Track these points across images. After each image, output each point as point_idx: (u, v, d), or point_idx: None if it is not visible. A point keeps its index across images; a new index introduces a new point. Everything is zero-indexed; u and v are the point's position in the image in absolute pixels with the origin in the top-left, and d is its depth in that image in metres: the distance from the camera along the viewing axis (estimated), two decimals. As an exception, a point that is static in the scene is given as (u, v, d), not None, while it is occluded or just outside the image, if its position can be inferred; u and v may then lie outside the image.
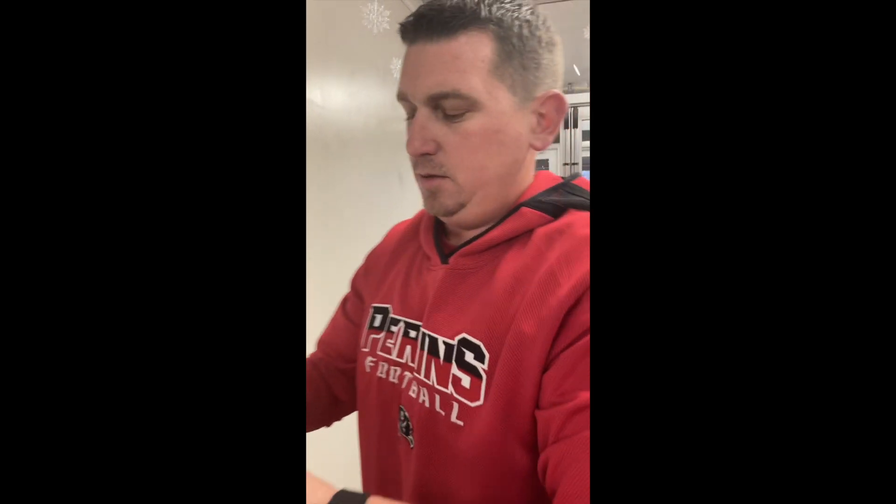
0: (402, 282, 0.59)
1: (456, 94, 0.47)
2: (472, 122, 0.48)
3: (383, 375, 0.56)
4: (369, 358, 0.59)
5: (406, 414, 0.53)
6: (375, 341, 0.59)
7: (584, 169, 2.92)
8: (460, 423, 0.48)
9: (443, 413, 0.50)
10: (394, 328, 0.57)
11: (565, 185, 0.54)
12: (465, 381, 0.49)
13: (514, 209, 0.52)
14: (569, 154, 2.89)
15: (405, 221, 0.68)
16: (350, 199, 1.47)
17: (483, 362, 0.48)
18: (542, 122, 0.52)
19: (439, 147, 0.49)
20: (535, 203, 0.51)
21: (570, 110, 2.84)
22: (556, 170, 2.94)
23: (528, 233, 0.51)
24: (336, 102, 1.41)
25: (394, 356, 0.56)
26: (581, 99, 2.88)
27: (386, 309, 0.59)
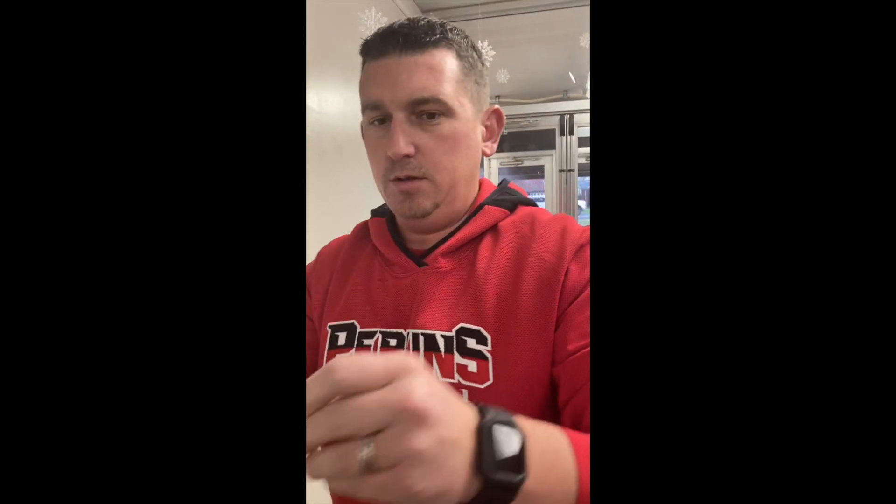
0: (362, 295, 0.60)
1: (435, 99, 0.52)
2: (446, 126, 0.53)
3: None
4: None
5: None
6: None
7: (580, 175, 2.93)
8: None
9: None
10: (367, 341, 0.57)
11: (505, 188, 0.63)
12: (472, 366, 0.52)
13: (477, 208, 0.59)
14: (565, 161, 2.90)
15: (337, 240, 0.70)
16: (346, 203, 1.47)
17: (486, 344, 0.52)
18: (487, 133, 0.60)
19: (418, 149, 0.53)
20: (493, 202, 0.59)
21: (567, 117, 2.85)
22: (553, 176, 2.95)
23: (492, 228, 0.58)
24: (332, 108, 1.41)
25: None
26: (576, 106, 2.89)
27: (350, 325, 0.59)
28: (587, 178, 3.00)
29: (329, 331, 0.61)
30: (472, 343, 0.52)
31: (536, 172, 3.09)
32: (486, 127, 0.60)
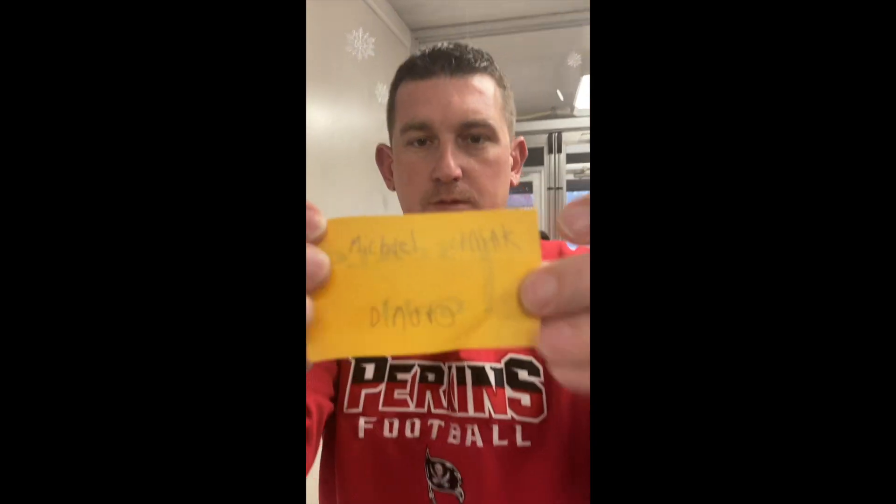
0: None
1: (485, 123, 0.52)
2: (491, 151, 0.53)
3: (394, 435, 0.50)
4: (365, 419, 0.52)
5: (448, 464, 0.48)
6: (372, 397, 0.52)
7: (568, 190, 2.95)
8: (528, 443, 0.48)
9: (505, 443, 0.48)
10: (402, 375, 0.53)
11: None
12: (525, 399, 0.49)
13: None
14: (553, 178, 2.91)
15: None
16: (334, 222, 1.46)
17: (538, 375, 0.50)
18: (512, 163, 0.60)
19: (465, 173, 0.52)
20: None
21: (555, 135, 2.87)
22: (541, 193, 2.97)
23: None
24: (320, 126, 1.41)
25: (412, 407, 0.51)
26: (564, 124, 2.92)
27: (378, 357, 0.54)
28: (573, 193, 3.02)
29: (353, 362, 0.55)
30: (523, 375, 0.50)
31: (525, 188, 3.11)
32: (512, 157, 0.59)
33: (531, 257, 0.20)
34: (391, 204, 1.87)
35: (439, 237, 0.20)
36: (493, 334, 0.20)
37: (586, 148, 3.54)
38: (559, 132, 2.87)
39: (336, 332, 0.20)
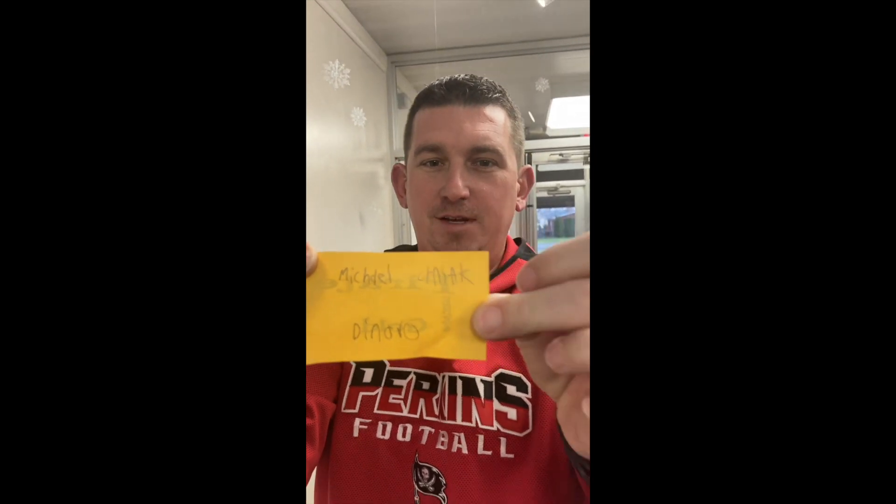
0: None
1: (493, 149, 0.56)
2: (498, 175, 0.57)
3: (386, 437, 0.54)
4: (360, 420, 0.55)
5: (435, 469, 0.52)
6: (369, 399, 0.56)
7: (539, 207, 3.04)
8: (510, 455, 0.50)
9: (489, 453, 0.51)
10: (398, 381, 0.56)
11: (525, 246, 0.67)
12: (511, 413, 0.52)
13: (511, 259, 0.62)
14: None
15: None
16: (313, 239, 1.51)
17: (526, 392, 0.52)
18: (519, 189, 0.63)
19: (472, 193, 0.56)
20: (523, 255, 0.64)
21: (526, 154, 2.98)
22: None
23: None
24: (300, 147, 1.47)
25: (405, 412, 0.54)
26: (536, 144, 3.03)
27: (378, 362, 0.57)
28: (544, 210, 3.13)
29: (353, 365, 0.59)
30: (512, 390, 0.52)
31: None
32: (519, 183, 0.63)
33: (481, 290, 0.26)
34: (367, 220, 1.92)
35: (410, 271, 0.25)
36: (449, 348, 0.25)
37: (557, 167, 3.67)
38: (530, 152, 2.98)
39: (325, 341, 0.25)
